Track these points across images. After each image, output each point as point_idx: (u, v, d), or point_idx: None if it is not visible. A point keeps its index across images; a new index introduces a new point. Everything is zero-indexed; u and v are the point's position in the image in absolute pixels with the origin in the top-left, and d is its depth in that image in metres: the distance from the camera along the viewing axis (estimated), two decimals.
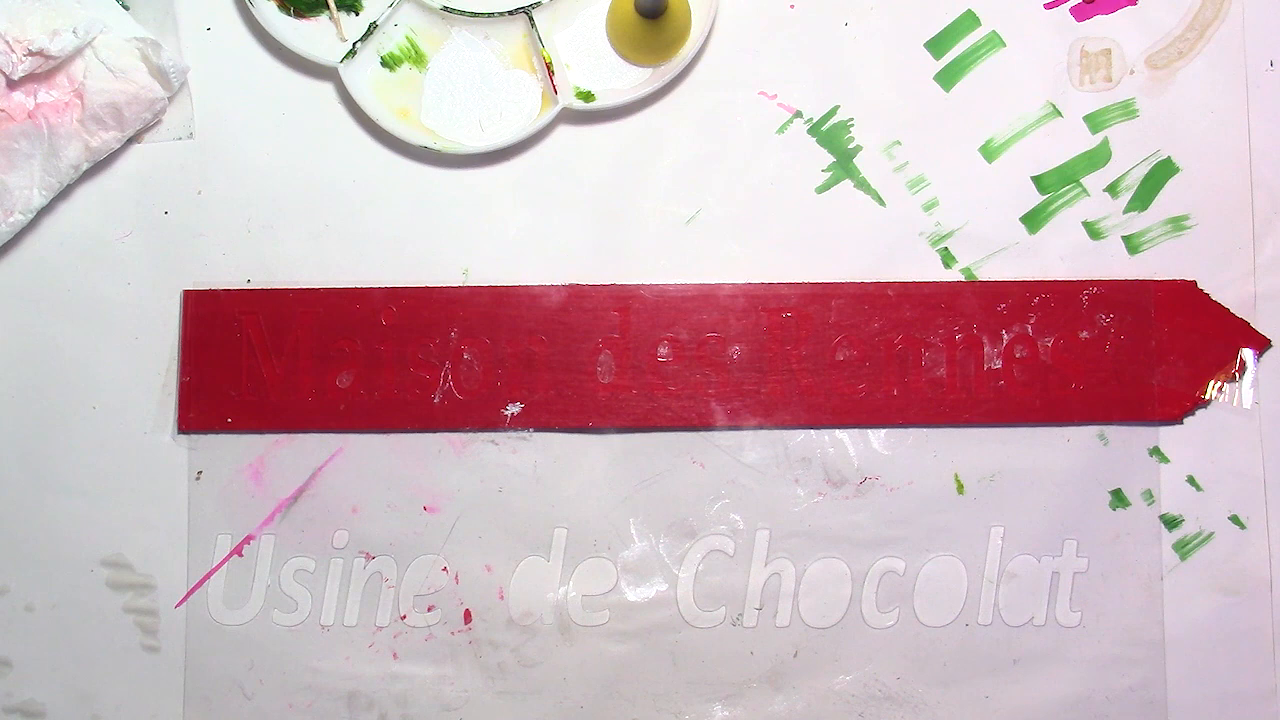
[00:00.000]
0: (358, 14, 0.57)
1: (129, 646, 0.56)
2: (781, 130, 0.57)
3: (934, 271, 0.57)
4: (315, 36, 0.57)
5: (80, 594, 0.56)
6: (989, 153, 0.57)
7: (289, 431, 0.56)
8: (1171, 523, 0.56)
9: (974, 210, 0.57)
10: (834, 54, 0.58)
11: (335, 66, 0.56)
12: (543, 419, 0.56)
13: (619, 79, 0.57)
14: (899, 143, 0.57)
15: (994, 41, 0.57)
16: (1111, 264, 0.57)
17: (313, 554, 0.56)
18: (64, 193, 0.56)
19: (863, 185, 0.57)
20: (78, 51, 0.55)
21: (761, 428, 0.56)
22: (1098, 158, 0.57)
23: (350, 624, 0.56)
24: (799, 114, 0.57)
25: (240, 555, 0.56)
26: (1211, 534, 0.56)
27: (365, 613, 0.56)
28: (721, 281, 0.56)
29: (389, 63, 0.57)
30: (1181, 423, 0.56)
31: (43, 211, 0.56)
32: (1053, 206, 0.57)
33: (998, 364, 0.56)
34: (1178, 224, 0.57)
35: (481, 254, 0.57)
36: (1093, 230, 0.57)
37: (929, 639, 0.56)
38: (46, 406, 0.56)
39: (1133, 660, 0.56)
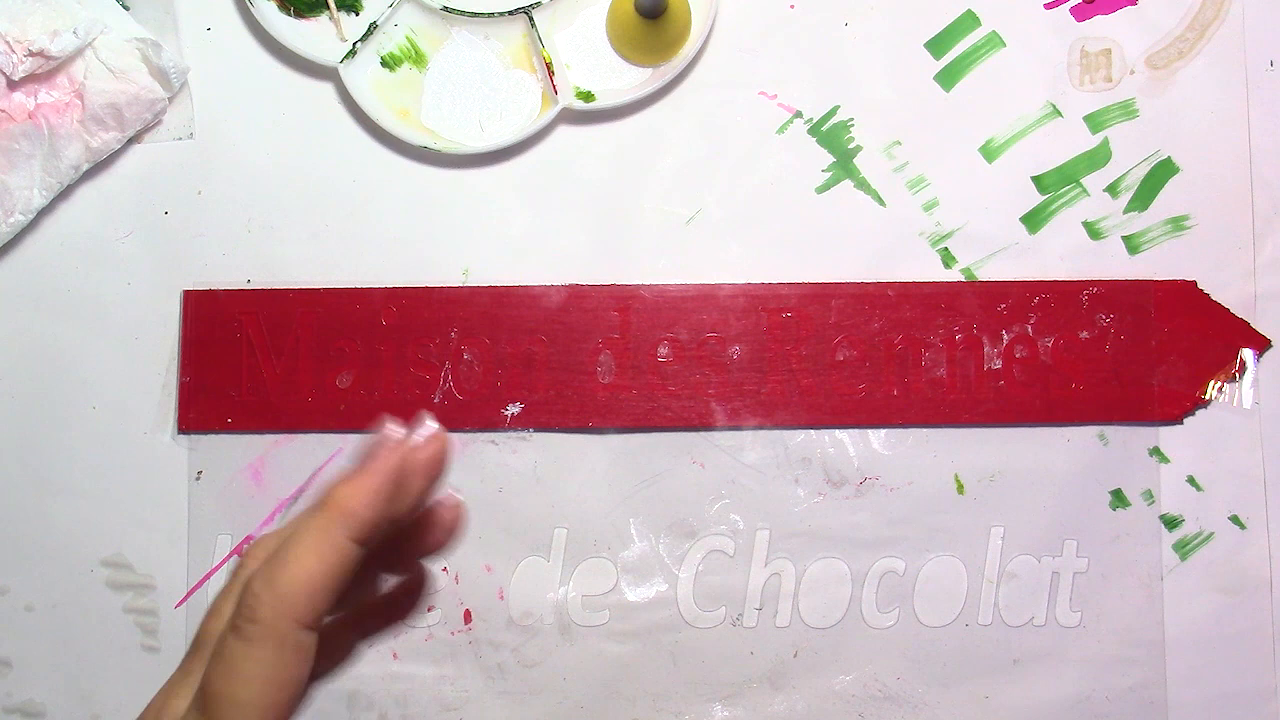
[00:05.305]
0: (358, 14, 0.57)
1: (129, 646, 0.56)
2: (781, 130, 0.57)
3: (934, 271, 0.57)
4: (315, 36, 0.57)
5: (80, 594, 0.56)
6: (989, 153, 0.57)
7: (289, 431, 0.56)
8: (1171, 523, 0.56)
9: (974, 210, 0.57)
10: (834, 54, 0.57)
11: (335, 66, 0.56)
12: (543, 419, 0.56)
13: (619, 79, 0.57)
14: (899, 143, 0.57)
15: (994, 41, 0.57)
16: (1111, 264, 0.57)
17: None
18: (64, 193, 0.56)
19: (863, 185, 0.57)
20: (78, 52, 0.55)
21: (761, 428, 0.56)
22: (1098, 158, 0.57)
23: None
24: (799, 114, 0.57)
25: (240, 555, 0.56)
26: (1211, 534, 0.56)
27: None
28: (721, 281, 0.56)
29: (389, 63, 0.57)
30: (1181, 423, 0.56)
31: (43, 211, 0.56)
32: (1053, 206, 0.57)
33: (998, 364, 0.56)
34: (1178, 224, 0.57)
35: (481, 254, 0.57)
36: (1093, 230, 0.57)
37: (929, 639, 0.56)
38: (46, 406, 0.56)
39: (1133, 660, 0.55)
